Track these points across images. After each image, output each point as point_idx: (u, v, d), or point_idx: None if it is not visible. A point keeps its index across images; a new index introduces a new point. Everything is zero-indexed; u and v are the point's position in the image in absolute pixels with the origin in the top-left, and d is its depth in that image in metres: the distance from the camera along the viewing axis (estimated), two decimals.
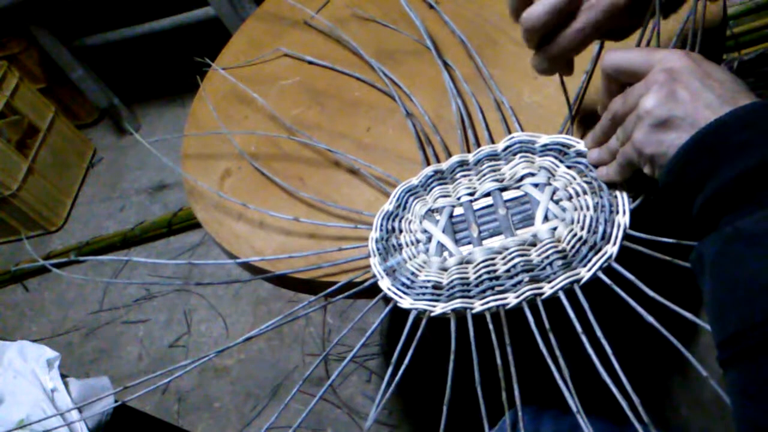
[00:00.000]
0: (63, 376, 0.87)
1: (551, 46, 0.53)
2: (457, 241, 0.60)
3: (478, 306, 0.54)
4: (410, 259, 0.60)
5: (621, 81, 0.51)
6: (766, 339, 0.36)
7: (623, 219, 0.53)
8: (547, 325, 0.51)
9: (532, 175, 0.60)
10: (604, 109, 0.53)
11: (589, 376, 0.49)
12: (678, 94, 0.45)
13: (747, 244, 0.40)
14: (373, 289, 0.60)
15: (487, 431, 0.50)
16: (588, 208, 0.55)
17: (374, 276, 0.60)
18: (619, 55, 0.50)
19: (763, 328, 0.36)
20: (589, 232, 0.54)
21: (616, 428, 0.56)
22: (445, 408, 0.51)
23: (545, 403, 0.63)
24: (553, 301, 0.53)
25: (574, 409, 0.47)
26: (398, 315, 0.58)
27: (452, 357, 0.52)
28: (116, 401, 0.87)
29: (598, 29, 0.51)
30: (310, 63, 0.86)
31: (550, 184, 0.59)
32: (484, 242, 0.59)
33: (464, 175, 0.64)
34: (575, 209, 0.56)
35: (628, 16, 0.52)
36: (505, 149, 0.64)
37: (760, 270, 0.38)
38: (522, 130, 0.66)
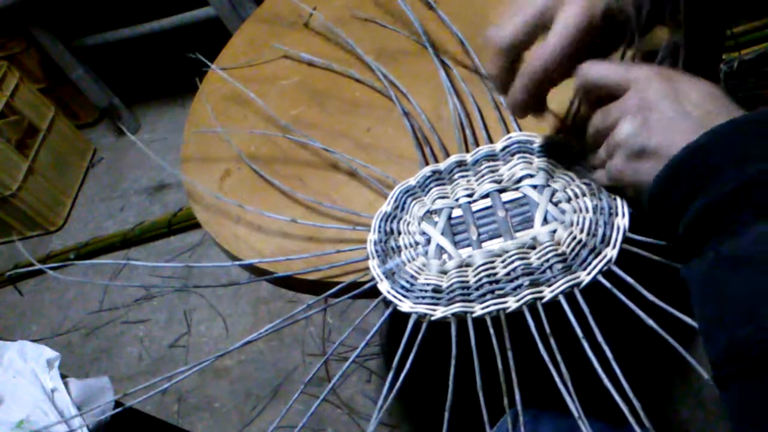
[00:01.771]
0: (63, 376, 0.87)
1: (524, 71, 0.52)
2: (456, 244, 0.60)
3: (478, 310, 0.54)
4: (409, 261, 0.60)
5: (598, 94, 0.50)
6: (753, 364, 0.36)
7: (623, 222, 0.53)
8: (547, 329, 0.51)
9: (531, 176, 0.60)
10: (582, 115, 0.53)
11: (589, 378, 0.49)
12: (651, 122, 0.44)
13: (729, 268, 0.39)
14: (373, 291, 0.60)
15: None
16: (587, 211, 0.55)
17: (373, 279, 0.60)
18: (594, 70, 0.49)
19: (750, 352, 0.36)
20: (588, 234, 0.54)
21: (616, 430, 0.56)
22: (446, 414, 0.51)
23: (544, 404, 0.63)
24: (553, 305, 0.53)
25: (576, 414, 0.47)
26: (398, 315, 0.58)
27: (453, 362, 0.52)
28: (116, 406, 0.87)
29: (572, 46, 0.49)
30: (309, 63, 0.86)
31: (548, 186, 0.59)
32: (483, 245, 0.59)
33: (462, 176, 0.64)
34: (574, 211, 0.56)
35: (602, 34, 0.50)
36: (503, 149, 0.63)
37: (743, 294, 0.38)
38: (520, 130, 0.66)
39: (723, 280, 0.40)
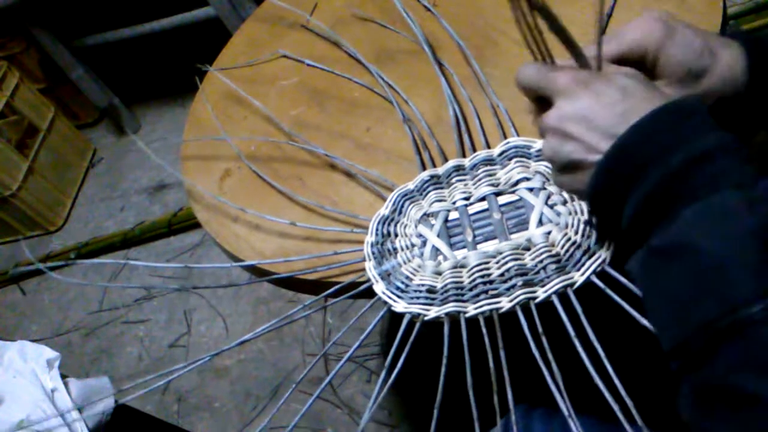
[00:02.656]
0: (63, 376, 0.87)
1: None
2: (451, 245, 0.60)
3: (471, 310, 0.54)
4: (405, 263, 0.61)
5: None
6: (693, 356, 0.37)
7: None
8: (540, 329, 0.51)
9: (527, 179, 0.61)
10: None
11: (581, 375, 0.49)
12: (570, 136, 0.45)
13: (661, 260, 0.40)
14: (370, 292, 0.61)
15: None
16: (582, 212, 0.56)
17: (369, 280, 0.60)
18: (525, 73, 0.49)
19: (691, 344, 0.37)
20: (583, 236, 0.54)
21: (608, 427, 0.57)
22: (435, 411, 0.51)
23: (535, 400, 0.63)
24: (546, 305, 0.53)
25: (566, 413, 0.47)
26: (397, 316, 0.59)
27: (444, 361, 0.52)
28: (116, 402, 0.87)
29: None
30: (309, 65, 0.86)
31: (545, 189, 0.59)
32: (478, 246, 0.59)
33: (460, 180, 0.64)
34: (570, 213, 0.56)
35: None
36: (500, 154, 0.64)
37: (675, 285, 0.39)
38: (518, 134, 0.66)
39: (656, 273, 0.40)
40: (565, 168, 0.46)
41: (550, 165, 0.48)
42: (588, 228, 0.54)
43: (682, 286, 0.38)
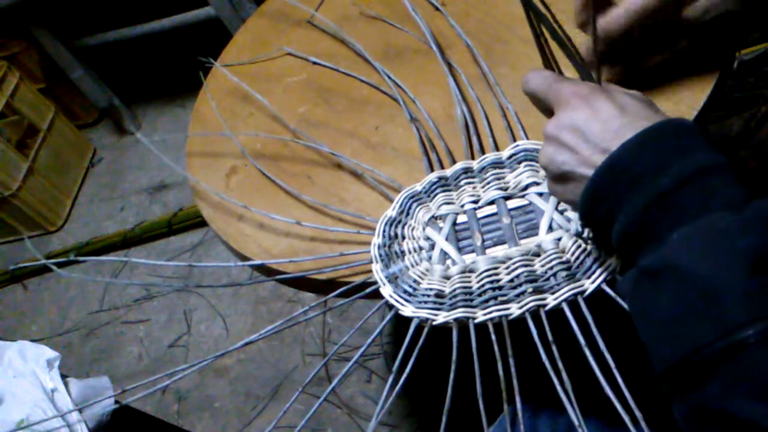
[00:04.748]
0: (63, 376, 0.87)
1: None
2: (460, 249, 0.60)
3: (480, 316, 0.54)
4: (413, 266, 0.60)
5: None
6: (685, 379, 0.37)
7: None
8: (549, 337, 0.51)
9: (537, 184, 0.60)
10: None
11: (590, 377, 0.49)
12: (565, 146, 0.45)
13: (651, 282, 0.40)
14: (376, 294, 0.60)
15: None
16: None
17: (376, 282, 0.60)
18: (531, 81, 0.50)
19: (683, 368, 0.37)
20: (594, 243, 0.54)
21: (615, 430, 0.57)
22: (444, 417, 0.51)
23: (542, 400, 0.63)
24: (555, 312, 0.53)
25: (576, 422, 0.47)
26: (400, 316, 0.58)
27: (453, 367, 0.52)
28: (116, 403, 0.87)
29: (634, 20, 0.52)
30: (315, 63, 0.86)
31: None
32: (487, 251, 0.59)
33: (468, 183, 0.64)
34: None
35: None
36: (510, 157, 0.63)
37: (666, 307, 0.38)
38: (527, 137, 0.65)
39: (646, 294, 0.40)
40: (558, 177, 0.47)
41: (545, 173, 0.49)
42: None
43: (673, 308, 0.38)
